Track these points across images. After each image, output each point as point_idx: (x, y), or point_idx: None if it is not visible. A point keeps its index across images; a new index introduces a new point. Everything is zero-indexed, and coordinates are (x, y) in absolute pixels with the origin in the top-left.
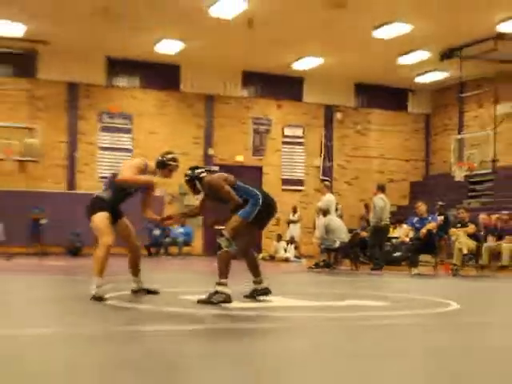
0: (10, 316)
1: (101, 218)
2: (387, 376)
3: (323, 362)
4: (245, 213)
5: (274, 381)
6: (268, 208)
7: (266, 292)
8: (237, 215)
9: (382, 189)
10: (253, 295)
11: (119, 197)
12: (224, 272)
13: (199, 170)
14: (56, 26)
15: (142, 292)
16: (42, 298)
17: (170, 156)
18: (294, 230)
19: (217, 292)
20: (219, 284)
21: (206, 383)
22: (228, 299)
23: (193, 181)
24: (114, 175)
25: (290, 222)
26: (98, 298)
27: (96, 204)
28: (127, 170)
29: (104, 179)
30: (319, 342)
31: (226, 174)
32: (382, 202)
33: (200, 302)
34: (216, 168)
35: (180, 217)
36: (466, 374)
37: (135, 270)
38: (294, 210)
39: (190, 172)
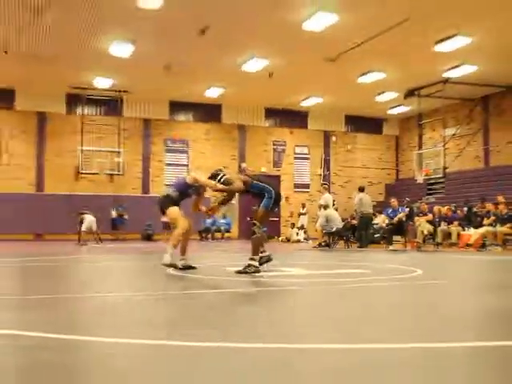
0: (110, 283)
1: (175, 211)
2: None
3: (322, 307)
4: (266, 204)
5: (288, 320)
6: (277, 198)
7: (269, 259)
8: (262, 207)
9: (361, 189)
10: (261, 263)
11: (182, 197)
12: (256, 251)
13: (220, 176)
14: (134, 80)
15: (185, 268)
16: (128, 269)
17: (220, 173)
18: (303, 220)
19: (250, 265)
20: (252, 259)
21: (248, 321)
22: (257, 270)
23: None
24: (183, 181)
25: (300, 214)
26: (172, 265)
27: (167, 201)
28: (204, 176)
29: (169, 185)
30: (323, 298)
31: (242, 176)
32: (357, 199)
33: (237, 272)
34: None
35: (217, 206)
36: (420, 316)
37: (184, 249)
38: (303, 206)
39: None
